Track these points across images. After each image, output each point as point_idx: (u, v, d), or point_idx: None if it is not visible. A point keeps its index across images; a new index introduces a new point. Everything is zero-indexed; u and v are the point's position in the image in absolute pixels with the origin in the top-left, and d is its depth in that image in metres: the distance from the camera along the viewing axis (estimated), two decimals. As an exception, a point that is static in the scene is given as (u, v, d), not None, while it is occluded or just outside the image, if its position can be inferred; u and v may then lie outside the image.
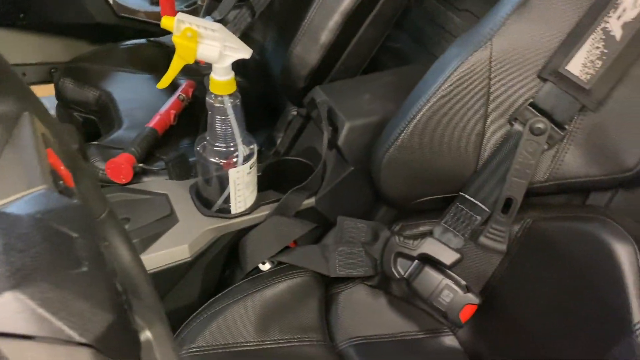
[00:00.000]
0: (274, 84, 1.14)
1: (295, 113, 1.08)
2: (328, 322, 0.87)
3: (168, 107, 1.14)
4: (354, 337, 0.84)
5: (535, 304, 0.78)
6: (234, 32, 0.93)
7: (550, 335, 0.76)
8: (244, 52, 0.73)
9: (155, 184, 0.89)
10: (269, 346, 0.77)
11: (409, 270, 0.84)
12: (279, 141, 1.11)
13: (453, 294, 0.82)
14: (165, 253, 0.78)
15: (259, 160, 0.86)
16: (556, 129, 0.70)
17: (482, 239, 0.80)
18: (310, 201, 0.94)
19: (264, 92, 1.27)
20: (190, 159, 0.98)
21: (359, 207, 0.93)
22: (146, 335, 0.41)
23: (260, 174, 0.93)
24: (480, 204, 0.79)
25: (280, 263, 0.88)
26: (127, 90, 1.24)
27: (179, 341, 0.72)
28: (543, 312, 0.77)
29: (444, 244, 0.82)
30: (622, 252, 0.67)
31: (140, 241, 0.76)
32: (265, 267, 0.87)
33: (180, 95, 1.19)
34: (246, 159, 0.80)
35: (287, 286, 0.84)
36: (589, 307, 0.71)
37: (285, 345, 0.79)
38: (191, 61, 0.73)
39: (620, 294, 0.66)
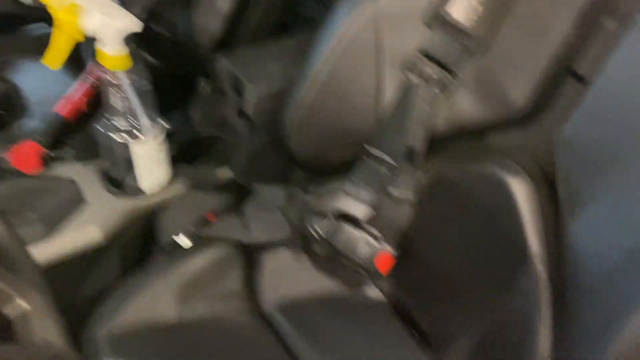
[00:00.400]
0: (188, 61, 1.12)
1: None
2: (253, 289, 0.87)
3: (76, 92, 1.10)
4: (279, 299, 0.85)
5: (448, 249, 0.81)
6: (138, 10, 0.91)
7: (462, 277, 0.80)
8: (131, 24, 0.71)
9: (63, 169, 0.87)
10: (191, 318, 0.77)
11: (326, 229, 0.85)
12: (195, 118, 1.10)
13: (370, 247, 0.84)
14: (74, 237, 0.76)
15: (177, 139, 0.85)
16: (448, 75, 0.72)
17: (391, 190, 0.82)
18: (229, 174, 0.93)
19: (180, 70, 1.25)
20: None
21: (278, 174, 0.93)
22: (22, 306, 0.41)
23: (175, 153, 0.92)
24: (385, 156, 0.80)
25: (200, 237, 0.87)
26: (34, 79, 1.19)
27: (95, 318, 0.71)
28: (455, 255, 0.80)
29: (356, 198, 0.84)
30: (518, 187, 0.71)
31: (44, 226, 0.74)
32: (184, 241, 0.87)
33: (89, 79, 1.16)
34: (152, 135, 0.79)
35: (208, 258, 0.84)
36: (494, 244, 0.74)
37: (208, 316, 0.79)
38: (78, 37, 0.71)
39: (518, 228, 0.70)
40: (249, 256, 0.90)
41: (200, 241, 0.86)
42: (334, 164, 0.85)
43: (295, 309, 0.85)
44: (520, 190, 0.70)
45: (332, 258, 0.91)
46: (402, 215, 0.85)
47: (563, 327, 0.61)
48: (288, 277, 0.89)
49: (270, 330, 0.81)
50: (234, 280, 0.84)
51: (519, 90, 0.70)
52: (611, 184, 0.58)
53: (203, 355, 0.75)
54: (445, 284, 0.82)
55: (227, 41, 0.96)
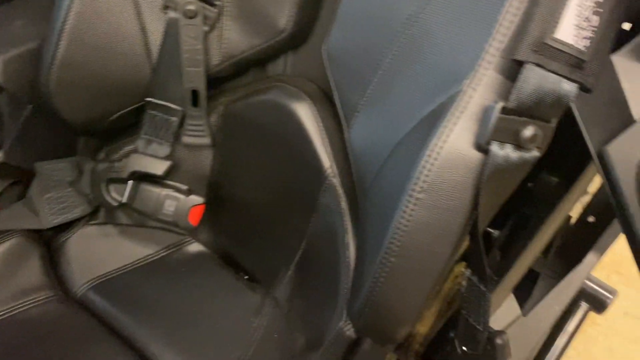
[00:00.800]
0: None
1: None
2: (59, 275, 0.79)
3: None
4: (91, 280, 0.79)
5: (254, 185, 0.81)
6: None
7: (273, 210, 0.80)
8: None
9: None
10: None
11: (126, 194, 0.80)
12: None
13: (176, 202, 0.81)
14: None
15: None
16: (208, 7, 0.69)
17: (185, 139, 0.79)
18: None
19: None
20: None
21: (57, 146, 0.84)
22: None
23: None
24: (170, 104, 0.76)
25: (-20, 234, 0.77)
26: None
27: None
28: (261, 190, 0.81)
29: (151, 155, 0.79)
30: (301, 110, 0.72)
31: None
32: (-39, 244, 0.75)
33: None
34: None
35: (-4, 255, 0.74)
36: (293, 170, 0.75)
37: (6, 315, 0.70)
38: None
39: (309, 149, 0.71)
40: (50, 242, 0.81)
41: (-18, 239, 0.76)
42: (117, 123, 0.79)
43: (109, 284, 0.79)
44: (304, 113, 0.71)
45: (140, 223, 0.87)
46: (203, 161, 0.83)
47: (360, 229, 0.65)
48: (98, 254, 0.83)
49: (87, 314, 0.75)
50: (33, 272, 0.76)
51: (281, 12, 0.70)
52: (374, 89, 0.61)
53: (18, 355, 0.68)
54: (259, 221, 0.83)
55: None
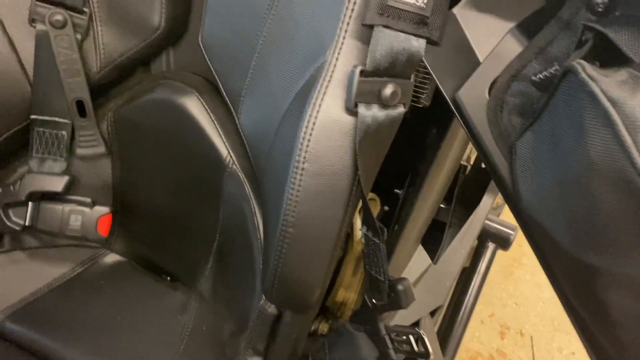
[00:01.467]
0: None
1: None
2: (-30, 311, 0.76)
3: None
4: (5, 309, 0.77)
5: (160, 188, 0.81)
6: None
7: (183, 208, 0.81)
8: None
9: None
10: None
11: (28, 216, 0.78)
12: None
13: (81, 215, 0.80)
14: None
15: None
16: (76, 14, 0.68)
17: (79, 151, 0.78)
18: None
19: None
20: None
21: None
22: None
23: None
24: (56, 119, 0.75)
25: None
26: None
27: None
28: (168, 190, 0.81)
29: (47, 173, 0.77)
30: (189, 104, 0.72)
31: None
32: None
33: None
34: None
35: None
36: (194, 166, 0.76)
37: None
38: None
39: (204, 140, 0.72)
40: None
41: None
42: (6, 147, 0.76)
43: (27, 310, 0.77)
44: (193, 107, 0.72)
45: (50, 244, 0.85)
46: (102, 171, 0.82)
47: (263, 208, 0.67)
48: (7, 282, 0.80)
49: (6, 345, 0.73)
50: (-62, 312, 0.73)
51: (152, 10, 0.70)
52: (254, 72, 0.63)
53: None
54: (171, 221, 0.83)
55: None
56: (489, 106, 0.48)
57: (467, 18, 0.49)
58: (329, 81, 0.50)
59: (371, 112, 0.49)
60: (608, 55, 0.38)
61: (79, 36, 0.70)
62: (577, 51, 0.39)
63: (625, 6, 0.37)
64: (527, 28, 0.45)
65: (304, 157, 0.51)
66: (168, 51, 0.78)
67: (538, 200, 0.43)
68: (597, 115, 0.34)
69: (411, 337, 0.58)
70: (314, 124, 0.51)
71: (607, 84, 0.34)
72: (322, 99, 0.50)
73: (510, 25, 0.46)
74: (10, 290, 0.79)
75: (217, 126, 0.71)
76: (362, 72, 0.48)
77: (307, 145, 0.51)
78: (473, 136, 0.49)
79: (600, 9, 0.39)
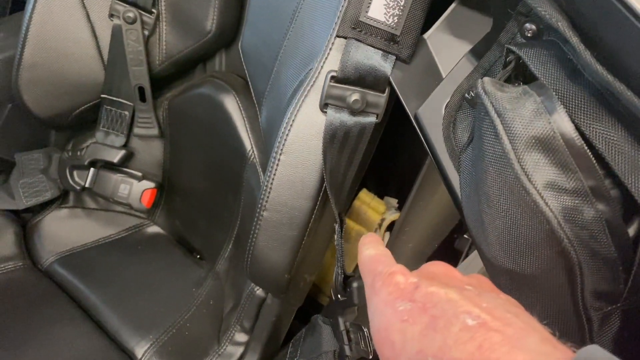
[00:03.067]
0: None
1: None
2: (31, 250, 0.91)
3: None
4: (56, 254, 0.91)
5: (196, 171, 0.92)
6: None
7: (211, 193, 0.90)
8: None
9: None
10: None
11: (88, 179, 0.92)
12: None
13: (129, 186, 0.92)
14: None
15: None
16: (145, 14, 0.81)
17: (136, 130, 0.90)
18: (-16, 150, 0.96)
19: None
20: None
21: (33, 139, 0.97)
22: None
23: None
24: (121, 100, 0.88)
25: (-35, 213, 0.90)
26: None
27: None
28: (201, 175, 0.91)
29: (109, 145, 0.91)
30: (227, 101, 0.82)
31: None
32: (-53, 220, 0.88)
33: None
34: None
35: (-25, 231, 0.87)
36: (223, 156, 0.85)
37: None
38: None
39: (234, 134, 0.81)
40: (21, 222, 0.94)
41: (-35, 217, 0.88)
42: (81, 118, 0.91)
43: (73, 258, 0.90)
44: (230, 104, 0.82)
45: (106, 208, 0.98)
46: (155, 151, 0.94)
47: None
48: (66, 232, 0.94)
49: (50, 282, 0.87)
50: (6, 245, 0.88)
51: (206, 16, 0.81)
52: (274, 77, 0.71)
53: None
54: (202, 204, 0.93)
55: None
56: (443, 124, 0.51)
57: (436, 43, 0.53)
58: (312, 86, 0.56)
59: (340, 116, 0.55)
60: (530, 75, 0.40)
61: (146, 32, 0.82)
62: (502, 72, 0.42)
63: (551, 32, 0.39)
64: (479, 51, 0.48)
65: (282, 150, 0.58)
66: (221, 53, 0.88)
67: (468, 209, 0.46)
68: (489, 125, 0.37)
69: (360, 335, 0.61)
70: (293, 121, 0.57)
71: (498, 97, 0.37)
72: (303, 100, 0.57)
73: (469, 48, 0.50)
74: (64, 239, 0.93)
75: (246, 123, 0.80)
76: (332, 78, 0.54)
77: (285, 139, 0.57)
78: (431, 151, 0.53)
79: (529, 34, 0.41)
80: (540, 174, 0.32)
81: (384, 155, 0.72)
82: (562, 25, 0.32)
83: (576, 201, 0.32)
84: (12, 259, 0.87)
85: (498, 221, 0.35)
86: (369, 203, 0.93)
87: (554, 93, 0.33)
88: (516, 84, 0.41)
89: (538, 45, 0.39)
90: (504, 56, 0.42)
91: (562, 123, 0.31)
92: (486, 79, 0.38)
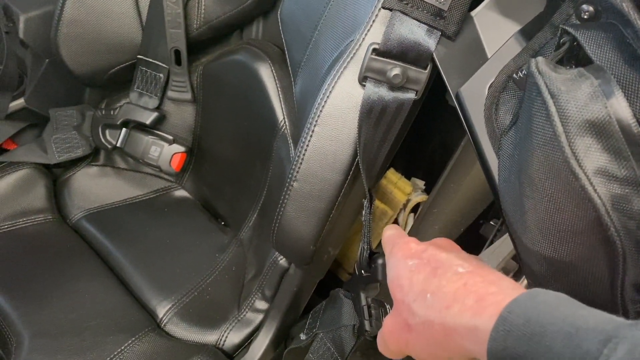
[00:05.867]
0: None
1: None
2: (61, 204, 0.93)
3: None
4: (85, 210, 0.92)
5: (226, 138, 0.92)
6: None
7: (240, 160, 0.90)
8: None
9: None
10: (-7, 234, 0.83)
11: (120, 138, 0.93)
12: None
13: (160, 148, 0.93)
14: None
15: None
16: (187, -24, 0.81)
17: (169, 93, 0.91)
18: (20, 102, 0.97)
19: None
20: None
21: (68, 96, 0.98)
22: None
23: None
24: (157, 62, 0.88)
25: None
26: None
27: None
28: (231, 142, 0.91)
29: (142, 106, 0.92)
30: (262, 69, 0.81)
31: None
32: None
33: None
34: None
35: (9, 180, 0.89)
36: (254, 124, 0.85)
37: (8, 229, 0.84)
38: None
39: (267, 104, 0.81)
40: (52, 176, 0.95)
41: (0, 167, 0.90)
42: (116, 77, 0.92)
43: (100, 215, 0.92)
44: (264, 73, 0.81)
45: (135, 169, 0.99)
46: (187, 115, 0.94)
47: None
48: (95, 190, 0.96)
49: (77, 237, 0.88)
50: (37, 198, 0.90)
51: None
52: (312, 47, 0.70)
53: (11, 261, 0.81)
54: (231, 171, 0.93)
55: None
56: (485, 104, 0.50)
57: (483, 21, 0.51)
58: (352, 57, 0.56)
59: (378, 90, 0.54)
60: (584, 58, 0.39)
61: (184, -6, 0.82)
62: (554, 53, 0.41)
63: (610, 15, 0.38)
64: (529, 32, 0.47)
65: (316, 121, 0.57)
66: (259, 21, 0.88)
67: (507, 193, 0.45)
68: (541, 106, 0.36)
69: (382, 311, 0.61)
70: (330, 92, 0.56)
71: (552, 78, 0.36)
72: (342, 72, 0.56)
73: (518, 28, 0.48)
74: (93, 197, 0.95)
75: (280, 93, 0.79)
76: (374, 50, 0.53)
77: (321, 111, 0.57)
78: (470, 131, 0.52)
79: (586, 17, 0.40)
80: (591, 159, 0.31)
81: (414, 136, 0.71)
82: (627, 6, 0.31)
83: (626, 190, 0.31)
84: (42, 212, 0.89)
85: (540, 206, 0.34)
86: (395, 183, 0.92)
87: (613, 77, 0.32)
88: (568, 67, 0.39)
89: (595, 27, 0.38)
90: (557, 37, 0.41)
91: (620, 108, 0.30)
92: (540, 58, 0.37)
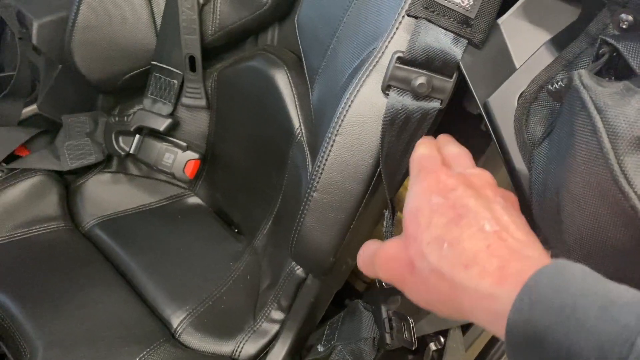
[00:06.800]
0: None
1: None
2: (73, 212, 0.92)
3: None
4: (98, 217, 0.91)
5: (240, 145, 0.91)
6: None
7: (255, 168, 0.89)
8: None
9: None
10: (2, 241, 0.82)
11: (133, 145, 0.92)
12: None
13: (174, 155, 0.92)
14: None
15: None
16: (202, -19, 0.80)
17: (184, 100, 0.90)
18: (33, 108, 0.96)
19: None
20: None
21: (81, 102, 0.97)
22: None
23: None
24: (171, 68, 0.87)
25: (12, 170, 0.90)
26: None
27: None
28: (245, 149, 0.90)
29: (155, 113, 0.91)
30: (278, 76, 0.80)
31: None
32: (-5, 177, 0.89)
33: None
34: None
35: (22, 187, 0.88)
36: (270, 131, 0.84)
37: (21, 236, 0.83)
38: None
39: (283, 111, 0.80)
40: (65, 183, 0.94)
41: (13, 174, 0.89)
42: (129, 83, 0.91)
43: (113, 223, 0.91)
44: (280, 79, 0.80)
45: (148, 175, 0.98)
46: (201, 122, 0.93)
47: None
48: (107, 197, 0.95)
49: (90, 244, 0.87)
50: (50, 205, 0.89)
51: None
52: (330, 54, 0.69)
53: (25, 270, 0.80)
54: (245, 178, 0.92)
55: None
56: (515, 115, 0.48)
57: (510, 29, 0.50)
58: (374, 66, 0.54)
59: (402, 99, 0.53)
60: (623, 69, 0.37)
61: (201, 0, 0.81)
62: (592, 64, 0.40)
63: (650, 26, 0.37)
64: (560, 41, 0.45)
65: (338, 130, 0.56)
66: (274, 27, 0.86)
67: (542, 208, 0.44)
68: (585, 121, 0.35)
69: (404, 324, 0.60)
70: (352, 101, 0.55)
71: (598, 92, 0.34)
72: (364, 81, 0.55)
73: (548, 38, 0.47)
74: (106, 204, 0.94)
75: (296, 100, 0.78)
76: (399, 59, 0.51)
77: (342, 120, 0.56)
78: (499, 143, 0.50)
79: (625, 26, 0.38)
80: (641, 178, 0.30)
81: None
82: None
83: (679, 209, 0.30)
84: (54, 219, 0.88)
85: (583, 224, 0.33)
86: (411, 189, 0.90)
87: (662, 91, 0.31)
88: (607, 79, 0.38)
89: (638, 38, 0.36)
90: (595, 48, 0.40)
91: (673, 125, 0.29)
92: (583, 71, 0.36)
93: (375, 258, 0.41)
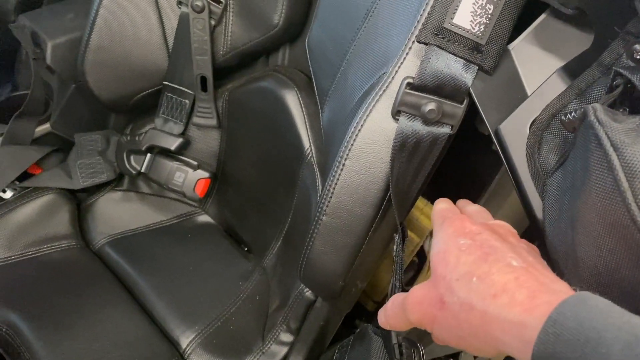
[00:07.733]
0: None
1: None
2: (84, 230, 0.93)
3: None
4: (108, 235, 0.92)
5: (250, 165, 0.91)
6: None
7: (264, 188, 0.89)
8: None
9: None
10: (14, 260, 0.82)
11: (144, 164, 0.92)
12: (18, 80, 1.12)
13: (184, 174, 0.92)
14: None
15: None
16: (213, 3, 0.80)
17: (195, 119, 0.90)
18: (46, 127, 0.97)
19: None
20: None
21: (93, 121, 0.98)
22: None
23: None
24: (183, 88, 0.88)
25: (24, 188, 0.91)
26: None
27: None
28: (255, 169, 0.90)
29: (167, 132, 0.91)
30: (288, 97, 0.81)
31: None
32: (7, 195, 0.90)
33: None
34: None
35: (34, 206, 0.88)
36: (280, 151, 0.84)
37: (33, 255, 0.84)
38: None
39: (293, 131, 0.80)
40: (78, 203, 0.95)
41: (25, 192, 0.90)
42: (142, 103, 0.91)
43: (123, 242, 0.91)
44: (291, 100, 0.80)
45: (159, 194, 0.99)
46: (211, 141, 0.94)
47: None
48: (118, 215, 0.95)
49: (101, 263, 0.88)
50: (61, 224, 0.89)
51: (275, 9, 0.79)
52: (340, 75, 0.69)
53: (35, 289, 0.80)
54: (255, 197, 0.92)
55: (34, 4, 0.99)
56: (528, 142, 0.48)
57: (521, 55, 0.50)
58: (384, 91, 0.54)
59: (412, 124, 0.52)
60: (638, 101, 0.37)
61: (212, 22, 0.82)
62: (606, 96, 0.39)
63: (666, 58, 0.36)
64: (573, 69, 0.45)
65: (347, 154, 0.56)
66: (285, 48, 0.87)
67: (556, 239, 0.43)
68: (601, 158, 0.34)
69: (414, 351, 0.59)
70: (362, 126, 0.55)
71: (614, 129, 0.34)
72: (374, 105, 0.54)
73: (559, 65, 0.46)
74: (116, 222, 0.94)
75: (307, 120, 0.78)
76: (408, 84, 0.51)
77: (352, 144, 0.55)
78: (511, 170, 0.50)
79: (639, 57, 0.38)
80: (659, 218, 0.29)
81: (442, 162, 0.70)
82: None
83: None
84: (66, 238, 0.89)
85: (599, 259, 0.33)
86: (422, 209, 0.90)
87: (678, 128, 0.30)
88: (621, 110, 0.37)
89: (651, 69, 0.36)
90: (609, 78, 0.39)
91: (689, 164, 0.29)
92: (597, 105, 0.35)
93: (405, 302, 0.42)
